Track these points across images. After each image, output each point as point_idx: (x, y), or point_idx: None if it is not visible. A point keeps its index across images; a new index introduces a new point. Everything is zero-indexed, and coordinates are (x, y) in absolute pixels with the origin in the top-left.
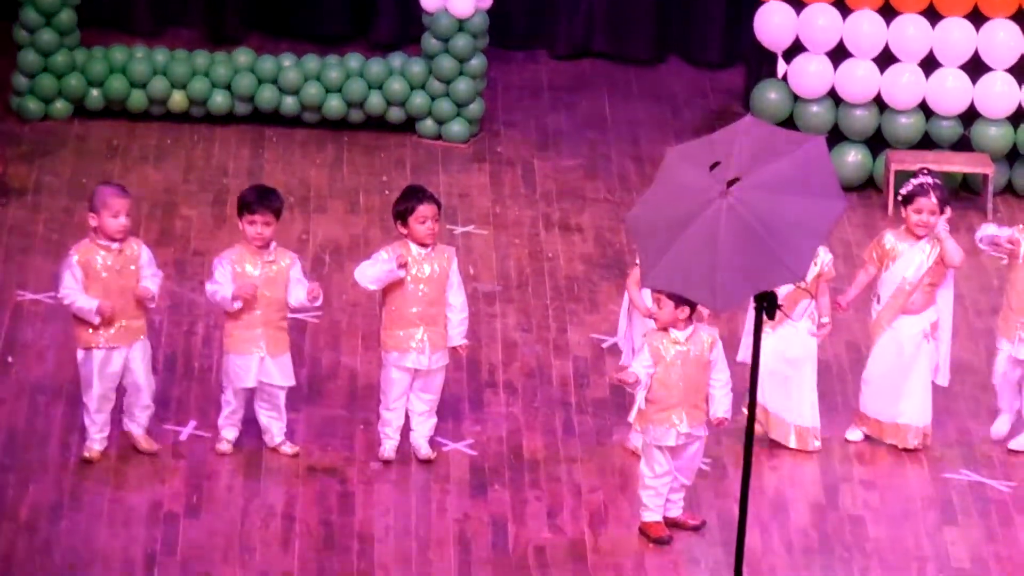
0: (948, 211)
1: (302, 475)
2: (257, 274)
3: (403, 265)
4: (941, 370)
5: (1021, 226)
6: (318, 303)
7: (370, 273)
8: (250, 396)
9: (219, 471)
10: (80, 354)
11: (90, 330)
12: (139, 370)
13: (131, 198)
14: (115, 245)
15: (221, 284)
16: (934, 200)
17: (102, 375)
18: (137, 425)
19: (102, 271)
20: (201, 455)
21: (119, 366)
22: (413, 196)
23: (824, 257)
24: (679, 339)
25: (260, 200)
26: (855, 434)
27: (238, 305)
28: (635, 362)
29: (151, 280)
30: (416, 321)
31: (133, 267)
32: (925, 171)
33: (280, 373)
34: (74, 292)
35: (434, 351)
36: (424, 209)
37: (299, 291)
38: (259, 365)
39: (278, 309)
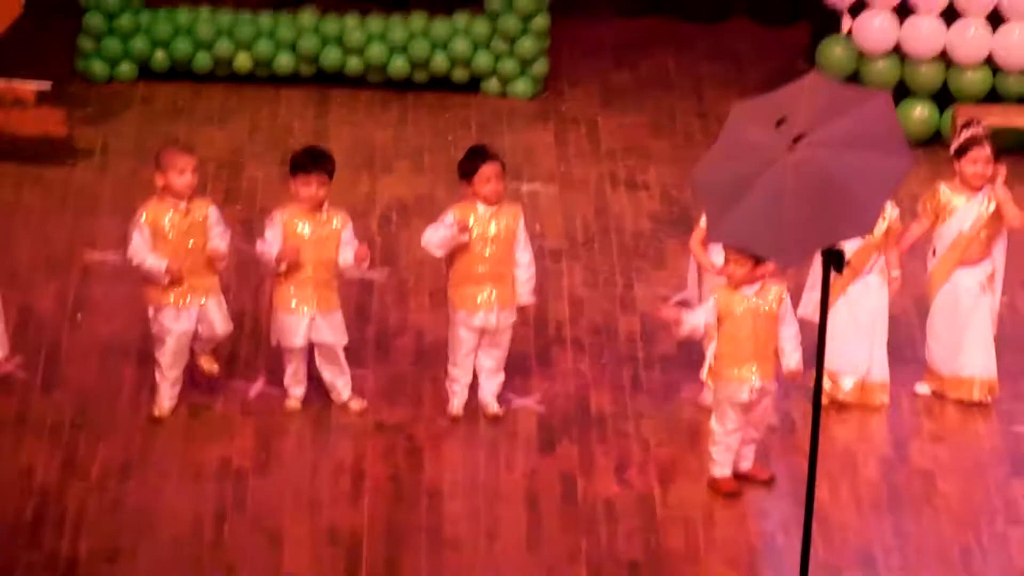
0: (1003, 170)
1: (370, 431)
2: (308, 233)
3: (464, 229)
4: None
5: None
6: (365, 265)
7: (435, 239)
8: (310, 353)
9: (287, 428)
10: (151, 311)
11: (160, 289)
12: (216, 320)
13: (196, 157)
14: (182, 204)
15: (270, 243)
16: (987, 150)
17: (174, 331)
18: (203, 351)
19: (170, 231)
20: (270, 412)
21: (191, 322)
22: (477, 156)
23: (891, 212)
24: (748, 294)
25: (315, 161)
26: (923, 388)
27: (283, 267)
28: (697, 311)
29: (220, 239)
30: (484, 279)
31: (203, 223)
32: (975, 120)
33: (332, 331)
34: (143, 251)
35: (502, 309)
36: (487, 169)
37: (348, 253)
38: (309, 323)
39: (328, 268)
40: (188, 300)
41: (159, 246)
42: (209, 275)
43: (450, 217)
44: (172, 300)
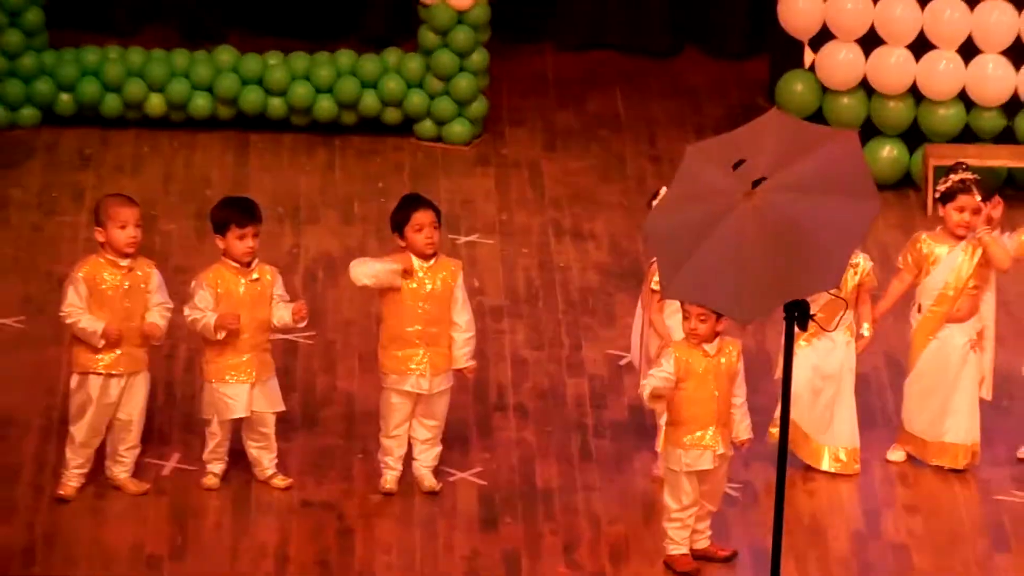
0: (991, 208)
1: (296, 510)
2: (242, 293)
3: (408, 273)
4: (986, 382)
5: None
6: (303, 324)
7: (367, 269)
8: (237, 426)
9: (205, 508)
10: (75, 379)
11: (91, 354)
12: (135, 405)
13: (139, 208)
14: (124, 262)
15: (203, 311)
16: (977, 197)
17: (98, 404)
18: (122, 467)
19: (109, 290)
20: (185, 491)
21: (116, 396)
22: (408, 204)
23: (864, 264)
24: (709, 351)
25: (247, 211)
26: (897, 454)
27: (221, 336)
28: (653, 372)
29: (159, 313)
30: (416, 341)
31: (143, 288)
32: (963, 165)
33: (269, 400)
34: (77, 311)
35: (436, 374)
36: (420, 216)
37: (283, 311)
38: (249, 393)
39: (264, 330)
40: (119, 370)
41: (95, 307)
42: (143, 345)
43: (387, 262)
44: (102, 368)
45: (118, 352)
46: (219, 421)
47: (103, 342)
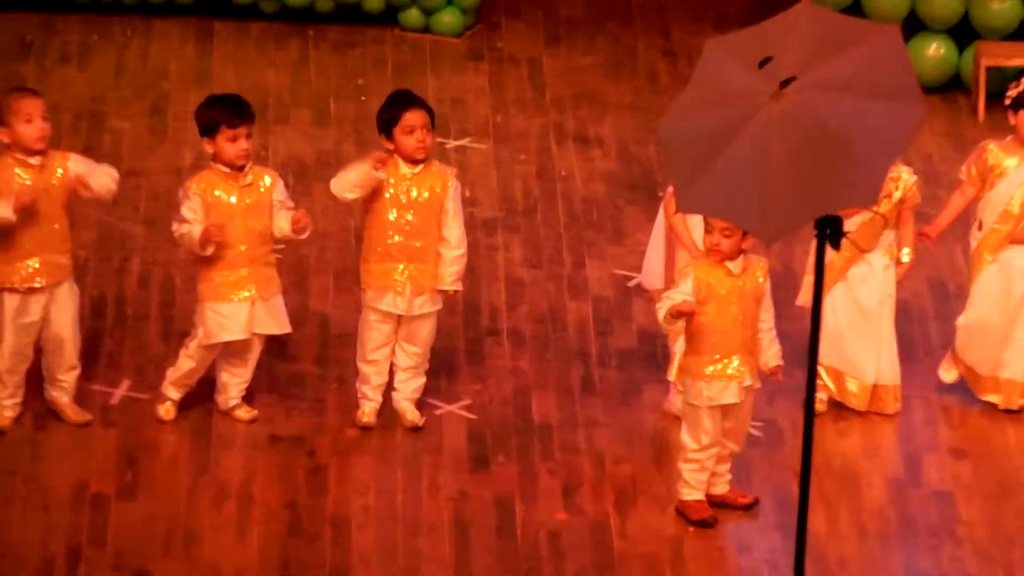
0: None
1: (262, 445)
2: (235, 202)
3: (383, 163)
4: None
5: None
6: (305, 235)
7: (347, 181)
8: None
9: (159, 442)
10: None
11: (2, 266)
12: (64, 320)
13: (45, 101)
14: (35, 159)
15: (191, 223)
16: None
17: (18, 325)
18: (62, 391)
19: (20, 187)
20: (137, 422)
21: (38, 314)
22: (398, 102)
23: (907, 178)
24: (733, 270)
25: (239, 109)
26: (950, 374)
27: (210, 250)
28: (669, 294)
29: (98, 177)
30: (398, 254)
31: (59, 186)
32: None
33: (274, 319)
34: None
35: (418, 293)
36: (411, 117)
37: (283, 220)
38: (250, 311)
39: (264, 241)
40: (39, 283)
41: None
42: (65, 251)
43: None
44: (18, 282)
45: (35, 262)
46: (204, 344)
47: (13, 216)
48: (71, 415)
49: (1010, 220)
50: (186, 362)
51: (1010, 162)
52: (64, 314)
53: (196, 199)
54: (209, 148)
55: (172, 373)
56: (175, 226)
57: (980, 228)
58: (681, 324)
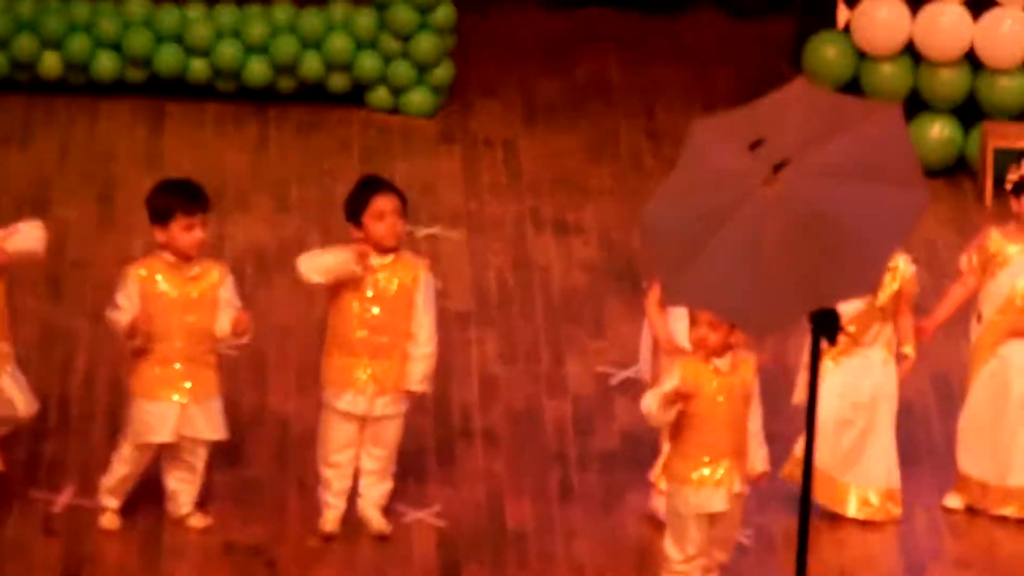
0: None
1: (216, 556)
2: (175, 295)
3: (364, 258)
4: None
5: None
6: (245, 339)
7: (318, 263)
8: (155, 457)
9: (104, 553)
10: None
11: None
12: (16, 397)
13: None
14: None
15: (123, 310)
16: None
17: None
18: None
19: None
20: (81, 532)
21: None
22: (367, 186)
23: (905, 269)
24: (721, 367)
25: (195, 196)
26: (954, 500)
27: (137, 342)
28: (652, 392)
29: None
30: (360, 351)
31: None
32: None
33: (208, 423)
34: None
35: (380, 393)
36: (382, 201)
37: (224, 320)
38: (179, 414)
39: (203, 339)
40: None
41: None
42: (5, 341)
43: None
44: None
45: None
46: (134, 445)
47: None
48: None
49: (1012, 312)
50: (119, 467)
51: (1012, 249)
52: (12, 397)
53: (133, 286)
54: (161, 237)
55: (107, 479)
56: (108, 311)
57: (979, 320)
58: (673, 413)
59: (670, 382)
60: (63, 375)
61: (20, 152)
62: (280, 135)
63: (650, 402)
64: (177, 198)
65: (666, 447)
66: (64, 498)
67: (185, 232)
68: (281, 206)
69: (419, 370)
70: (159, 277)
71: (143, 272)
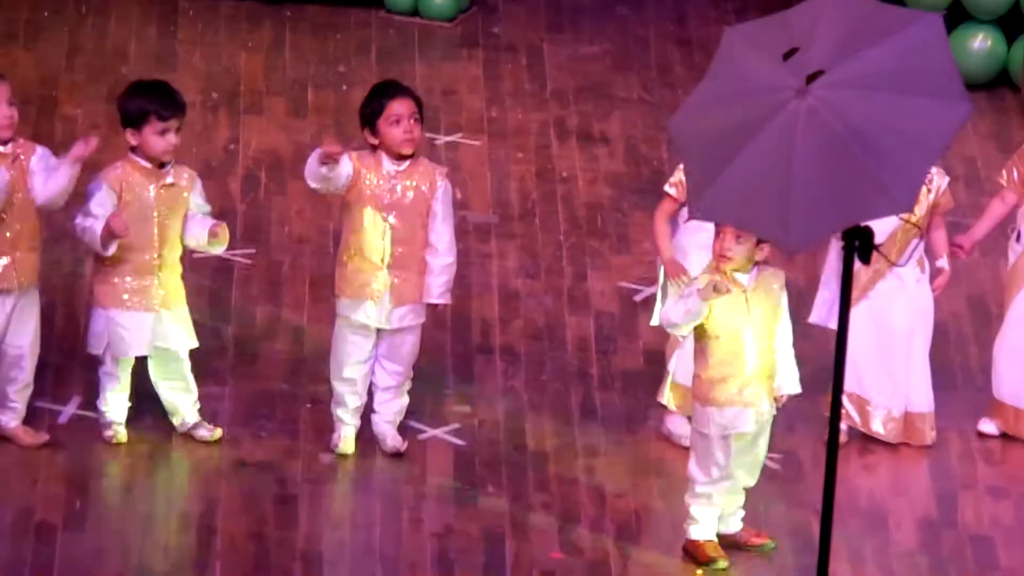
0: None
1: (226, 471)
2: (152, 200)
3: (329, 158)
4: None
5: None
6: (220, 250)
7: (309, 170)
8: (141, 362)
9: (111, 466)
10: None
11: None
12: (26, 329)
13: (10, 82)
14: (4, 147)
15: (97, 217)
16: None
17: None
18: (14, 413)
19: None
20: (87, 444)
21: (2, 320)
22: (383, 91)
23: (939, 181)
24: (745, 284)
25: (170, 99)
26: (989, 426)
27: (111, 250)
28: (676, 301)
29: (56, 180)
30: (378, 262)
31: (21, 177)
32: None
33: (179, 332)
34: None
35: (399, 304)
36: (398, 105)
37: (196, 229)
38: (152, 324)
39: (174, 246)
40: (6, 285)
41: None
42: (35, 248)
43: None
44: None
45: (5, 260)
46: (113, 357)
47: None
48: (25, 439)
49: None
50: (107, 381)
51: None
52: (27, 325)
53: (111, 192)
54: (133, 139)
55: (101, 395)
56: (79, 219)
57: (1019, 240)
58: (687, 334)
59: (686, 298)
60: (69, 281)
61: (27, 50)
62: (296, 36)
63: (672, 312)
64: (152, 100)
65: (672, 364)
66: (70, 409)
67: (158, 136)
68: (297, 110)
69: (440, 282)
70: (135, 184)
71: (120, 179)
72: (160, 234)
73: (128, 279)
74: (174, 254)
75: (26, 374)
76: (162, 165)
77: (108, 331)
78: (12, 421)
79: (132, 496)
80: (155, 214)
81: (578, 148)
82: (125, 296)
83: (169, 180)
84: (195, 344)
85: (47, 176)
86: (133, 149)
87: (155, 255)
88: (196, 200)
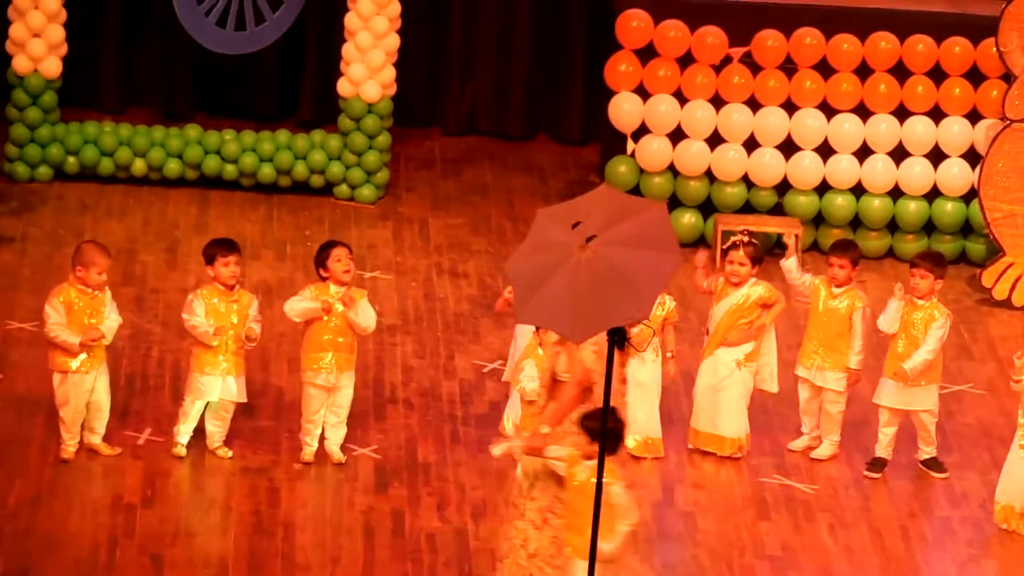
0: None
1: (237, 473)
2: (224, 310)
3: (327, 311)
4: (769, 381)
5: (813, 277)
6: (251, 345)
7: (297, 308)
8: (203, 407)
9: (169, 469)
10: (56, 377)
11: (67, 359)
12: (102, 389)
13: (109, 259)
14: (99, 293)
15: (200, 317)
16: (742, 253)
17: (76, 394)
18: (97, 436)
19: (78, 311)
20: (155, 456)
21: (89, 385)
22: (329, 244)
23: (669, 303)
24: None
25: (230, 245)
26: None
27: (216, 342)
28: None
29: (111, 321)
30: (326, 346)
31: (103, 308)
32: (744, 232)
33: (238, 390)
34: (58, 327)
35: (341, 371)
36: (338, 251)
37: (248, 329)
38: (221, 384)
39: (238, 339)
40: (87, 368)
41: (70, 321)
42: (102, 347)
43: (308, 292)
44: (75, 367)
45: (87, 356)
46: (192, 401)
47: (79, 350)
48: (105, 451)
49: (722, 329)
50: (183, 417)
51: (727, 291)
52: (102, 387)
53: (202, 301)
54: (211, 272)
55: (179, 424)
56: (186, 317)
57: (708, 333)
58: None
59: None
60: (144, 359)
61: (118, 222)
62: (280, 213)
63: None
64: (218, 247)
65: (507, 411)
66: (145, 436)
67: (224, 267)
68: (280, 257)
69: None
70: (215, 300)
71: (205, 293)
72: (231, 328)
73: (208, 355)
74: (238, 342)
75: (105, 413)
76: (232, 287)
77: (195, 385)
78: (97, 439)
79: (181, 488)
80: (227, 318)
81: (449, 280)
82: (207, 366)
83: (235, 297)
84: (244, 399)
85: (111, 311)
86: (213, 279)
87: (228, 343)
88: (252, 311)
